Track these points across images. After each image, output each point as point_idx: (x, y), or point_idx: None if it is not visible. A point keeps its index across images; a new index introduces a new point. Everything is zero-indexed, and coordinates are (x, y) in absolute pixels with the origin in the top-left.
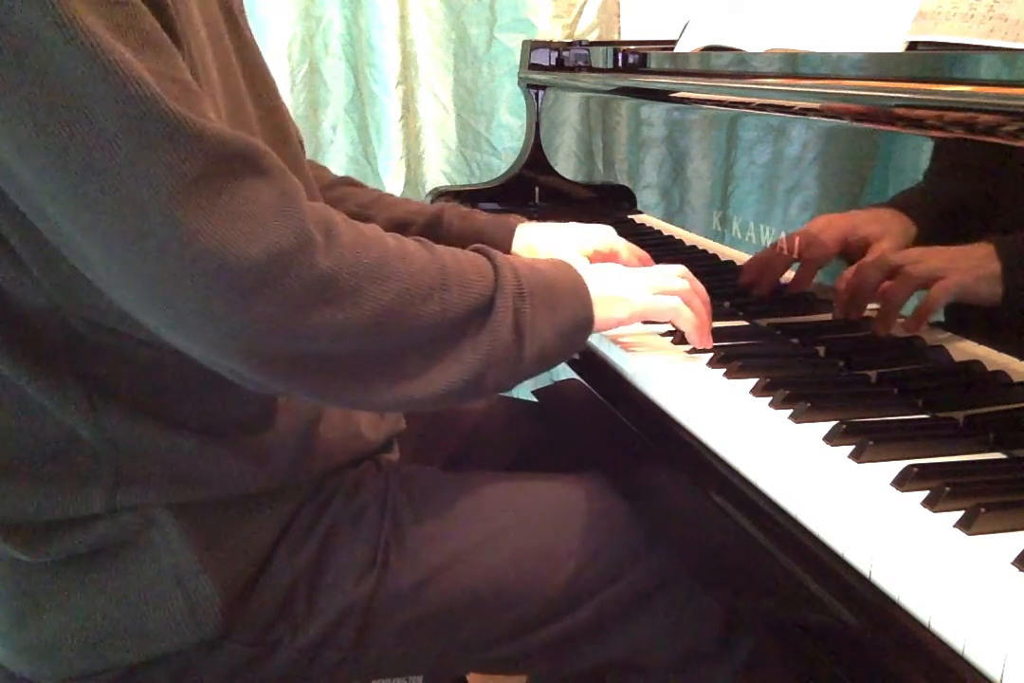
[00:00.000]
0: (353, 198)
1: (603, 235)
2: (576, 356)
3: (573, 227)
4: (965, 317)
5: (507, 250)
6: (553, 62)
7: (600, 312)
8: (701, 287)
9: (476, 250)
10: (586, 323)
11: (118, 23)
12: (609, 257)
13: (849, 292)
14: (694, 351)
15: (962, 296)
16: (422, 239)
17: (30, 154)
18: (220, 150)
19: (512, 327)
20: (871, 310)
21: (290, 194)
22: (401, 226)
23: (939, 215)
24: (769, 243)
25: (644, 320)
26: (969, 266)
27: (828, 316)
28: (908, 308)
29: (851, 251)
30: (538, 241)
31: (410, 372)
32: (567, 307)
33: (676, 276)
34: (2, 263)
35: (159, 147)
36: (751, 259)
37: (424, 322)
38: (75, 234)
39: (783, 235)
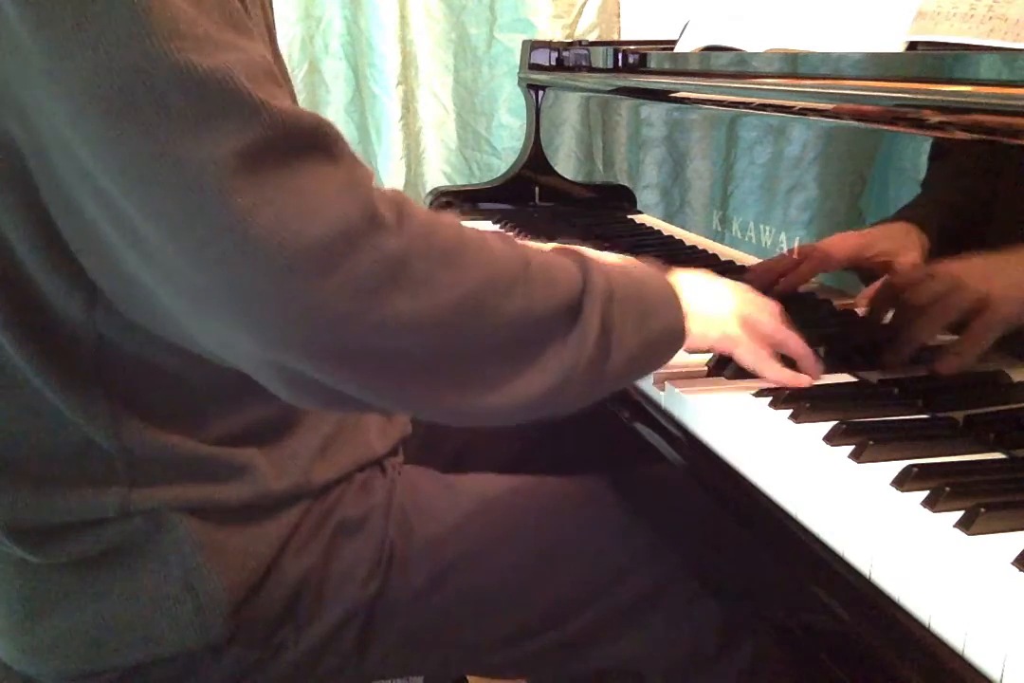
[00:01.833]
0: None
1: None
2: None
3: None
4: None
5: None
6: (553, 62)
7: (694, 327)
8: (793, 334)
9: (559, 249)
10: (677, 335)
11: (201, 1)
12: None
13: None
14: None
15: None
16: (501, 232)
17: (86, 122)
18: (285, 124)
19: (599, 333)
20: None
21: (358, 177)
22: None
23: (941, 219)
24: (769, 243)
25: (730, 351)
26: (975, 278)
27: (829, 316)
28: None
29: (863, 267)
30: None
31: (491, 378)
32: (658, 317)
33: (768, 311)
34: (51, 271)
35: (217, 112)
36: (760, 264)
37: (505, 319)
38: (131, 212)
39: (794, 244)
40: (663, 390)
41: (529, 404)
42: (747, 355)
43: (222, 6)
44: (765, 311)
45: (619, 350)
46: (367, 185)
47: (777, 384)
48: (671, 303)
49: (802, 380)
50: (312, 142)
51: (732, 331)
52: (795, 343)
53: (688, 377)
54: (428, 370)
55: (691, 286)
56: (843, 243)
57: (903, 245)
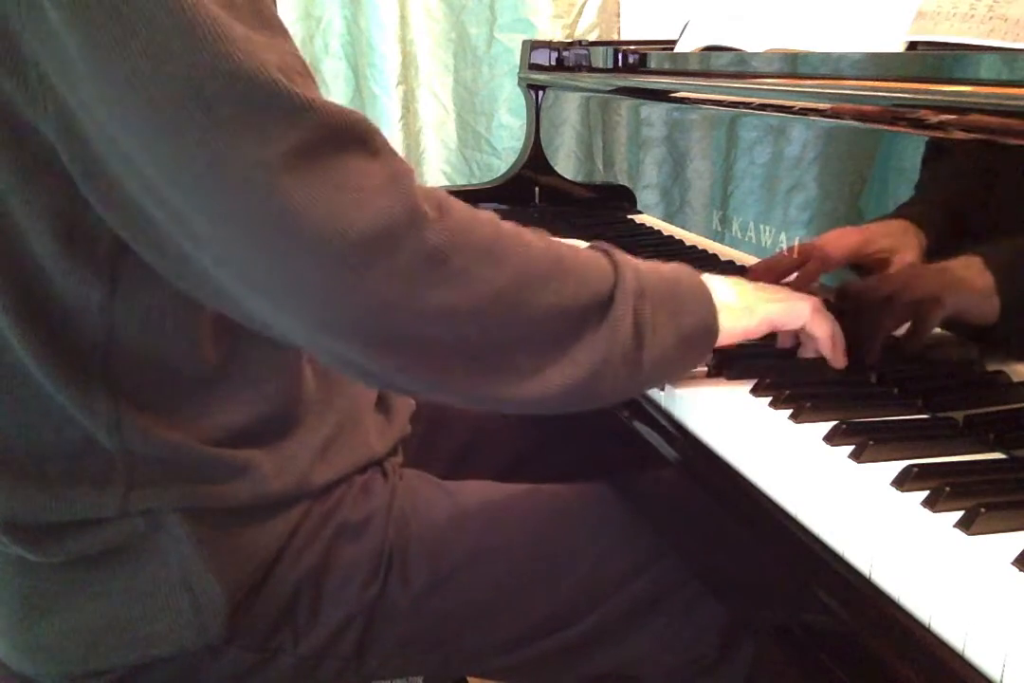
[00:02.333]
0: None
1: None
2: None
3: None
4: (965, 318)
5: None
6: (553, 62)
7: (727, 321)
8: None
9: (592, 247)
10: (711, 330)
11: (233, 2)
12: None
13: (881, 307)
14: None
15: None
16: (539, 229)
17: (136, 125)
18: (329, 122)
19: (632, 328)
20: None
21: (400, 172)
22: None
23: (941, 218)
24: (769, 243)
25: (775, 329)
26: (975, 276)
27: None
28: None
29: (862, 263)
30: None
31: (523, 368)
32: (691, 312)
33: (804, 301)
34: (67, 262)
35: (264, 114)
36: (760, 263)
37: (538, 312)
38: (183, 207)
39: (793, 243)
40: (663, 390)
41: (560, 394)
42: (792, 319)
43: (253, 6)
44: (800, 304)
45: (652, 344)
46: (409, 179)
47: (829, 339)
48: (703, 299)
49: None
50: (355, 138)
51: (771, 312)
52: (839, 337)
53: (688, 377)
54: (463, 358)
55: (722, 285)
56: (842, 240)
57: (902, 244)
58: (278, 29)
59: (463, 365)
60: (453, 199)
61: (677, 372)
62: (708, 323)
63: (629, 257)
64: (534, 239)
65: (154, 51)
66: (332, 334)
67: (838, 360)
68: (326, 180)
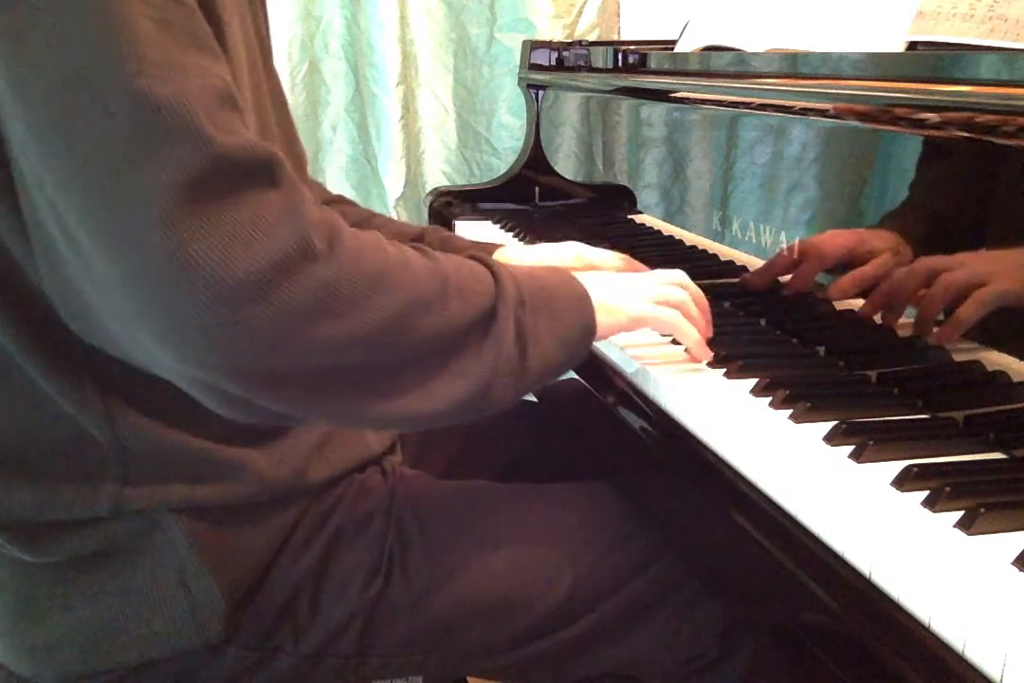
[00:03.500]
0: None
1: (576, 252)
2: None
3: (547, 247)
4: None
5: None
6: (553, 62)
7: (602, 318)
8: (700, 294)
9: (473, 258)
10: (589, 330)
11: (167, 19)
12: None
13: (885, 299)
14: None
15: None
16: (421, 246)
17: (42, 136)
18: (229, 159)
19: (515, 337)
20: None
21: (295, 204)
22: None
23: (939, 217)
24: (769, 243)
25: (646, 326)
26: (1000, 271)
27: (828, 316)
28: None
29: (857, 262)
30: (520, 259)
31: (413, 386)
32: (569, 315)
33: (674, 283)
34: (36, 263)
35: (165, 145)
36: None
37: (426, 333)
38: (78, 229)
39: (792, 242)
40: (660, 386)
41: (454, 407)
42: (661, 326)
43: (189, 26)
44: (670, 282)
45: (535, 351)
46: (303, 211)
47: (694, 345)
48: (579, 301)
49: (704, 351)
50: (253, 174)
51: (642, 312)
52: (701, 301)
53: (687, 377)
54: (353, 384)
55: (597, 283)
56: (838, 240)
57: (901, 243)
58: (211, 52)
59: (353, 391)
60: (344, 227)
61: (560, 372)
62: (586, 323)
63: (508, 266)
64: (418, 261)
65: (72, 56)
66: (210, 372)
67: (701, 357)
68: (216, 216)
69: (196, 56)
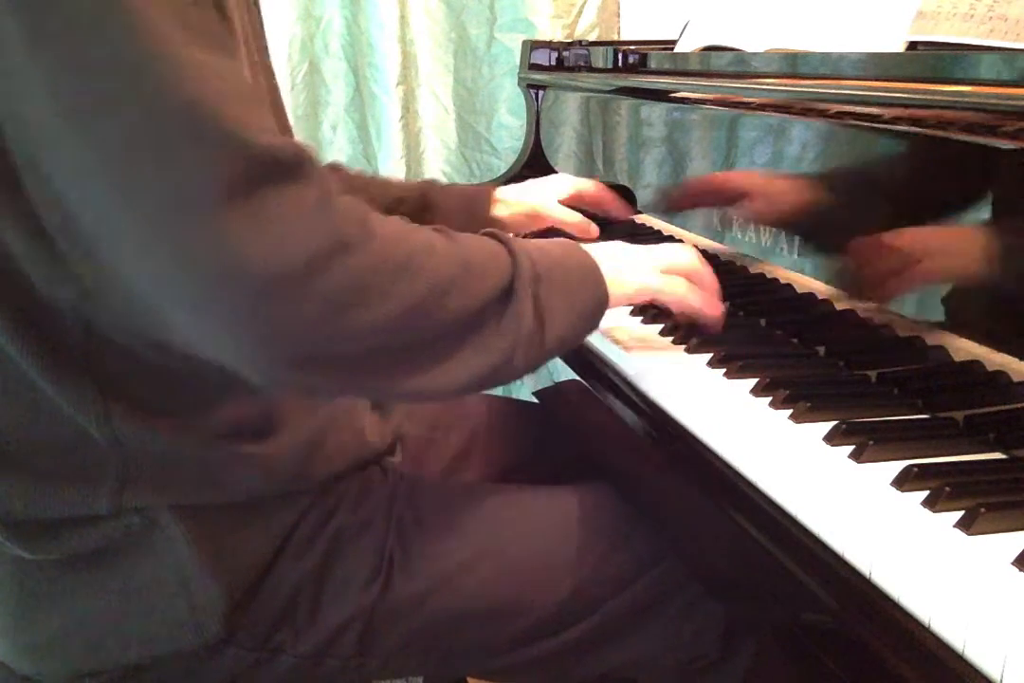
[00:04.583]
0: (347, 183)
1: (567, 181)
2: (576, 357)
3: (538, 182)
4: (965, 317)
5: (488, 211)
6: (553, 62)
7: (612, 289)
8: (709, 269)
9: (488, 234)
10: (602, 302)
11: (190, 23)
12: (582, 196)
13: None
14: (694, 351)
15: (959, 291)
16: (442, 227)
17: (78, 137)
18: (259, 156)
19: (533, 311)
20: (869, 311)
21: (327, 196)
22: (399, 202)
23: (938, 216)
24: (770, 243)
25: (652, 300)
26: (966, 258)
27: (828, 316)
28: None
29: (859, 261)
30: (518, 199)
31: (439, 361)
32: (582, 288)
33: (681, 258)
34: (39, 260)
35: (195, 146)
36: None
37: (450, 314)
38: (116, 235)
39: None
40: (660, 387)
41: (478, 379)
42: (668, 299)
43: (208, 27)
44: (680, 254)
45: (552, 324)
46: (334, 204)
47: (704, 309)
48: (591, 273)
49: (715, 305)
50: (283, 170)
51: (649, 282)
52: (710, 276)
53: (689, 378)
54: (386, 364)
55: (606, 254)
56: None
57: (899, 243)
58: (229, 51)
59: (387, 370)
60: (372, 215)
61: (575, 343)
62: (599, 296)
63: (522, 242)
64: (439, 243)
65: (99, 65)
66: (253, 361)
67: (713, 323)
68: (250, 213)
69: (218, 55)
